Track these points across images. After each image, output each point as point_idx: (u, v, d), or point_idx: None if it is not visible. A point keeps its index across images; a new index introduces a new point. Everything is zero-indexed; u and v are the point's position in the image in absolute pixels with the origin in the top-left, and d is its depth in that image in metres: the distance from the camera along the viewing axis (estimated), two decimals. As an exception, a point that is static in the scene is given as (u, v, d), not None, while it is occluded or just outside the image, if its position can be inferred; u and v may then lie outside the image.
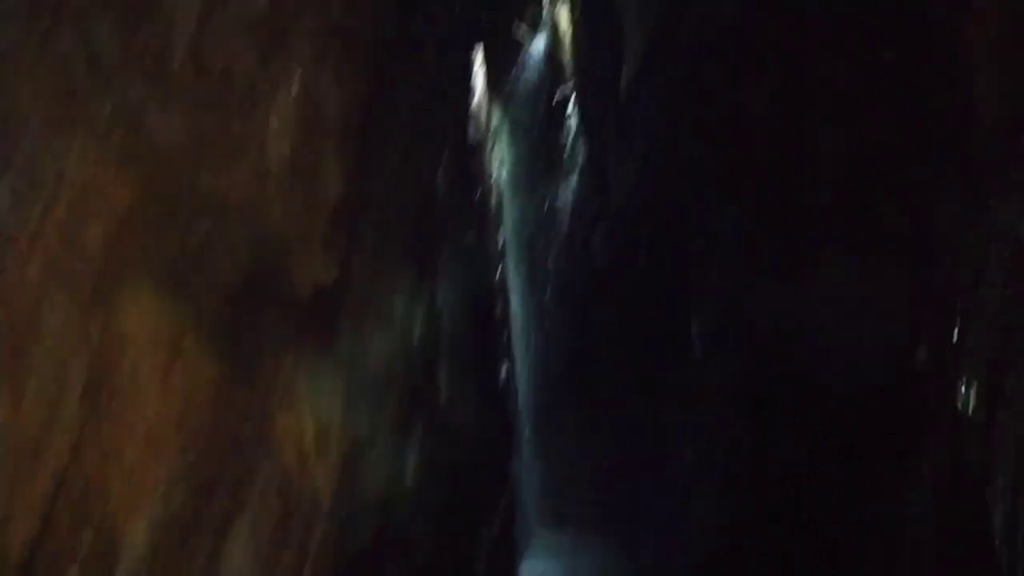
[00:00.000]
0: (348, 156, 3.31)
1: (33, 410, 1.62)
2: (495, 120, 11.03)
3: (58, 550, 1.72)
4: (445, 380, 5.57)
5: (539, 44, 10.55)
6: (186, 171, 2.14)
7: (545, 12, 9.20)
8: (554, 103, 10.44)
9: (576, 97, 9.49)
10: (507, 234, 11.12)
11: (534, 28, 10.20)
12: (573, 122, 10.11)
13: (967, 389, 1.99)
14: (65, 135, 1.82)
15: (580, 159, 10.08)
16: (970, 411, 1.95)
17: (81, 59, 1.83)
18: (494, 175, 10.40)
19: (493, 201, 10.24)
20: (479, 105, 8.81)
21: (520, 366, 11.24)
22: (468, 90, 8.22)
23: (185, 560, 1.99)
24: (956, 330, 2.02)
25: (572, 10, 8.73)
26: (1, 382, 1.55)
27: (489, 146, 10.18)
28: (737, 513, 4.62)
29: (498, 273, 10.16)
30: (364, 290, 3.74)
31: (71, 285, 1.77)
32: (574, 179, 10.32)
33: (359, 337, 3.68)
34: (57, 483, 1.69)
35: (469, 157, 8.27)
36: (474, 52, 8.21)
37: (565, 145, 10.60)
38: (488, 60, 8.95)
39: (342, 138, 3.21)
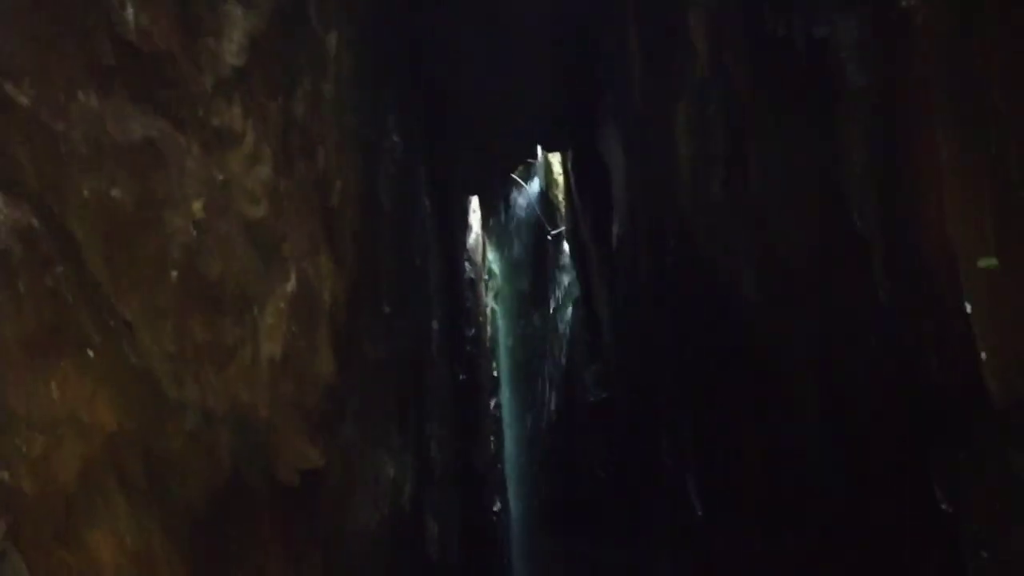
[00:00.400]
0: (341, 331, 3.34)
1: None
2: (490, 254, 11.29)
3: None
4: (436, 537, 5.40)
5: (534, 186, 10.96)
6: (172, 385, 2.14)
7: (540, 156, 9.63)
8: (549, 239, 10.72)
9: (568, 237, 9.75)
10: (501, 366, 11.15)
11: (528, 174, 10.63)
12: (566, 259, 10.36)
13: None
14: (47, 367, 1.81)
15: (574, 294, 10.24)
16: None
17: (71, 288, 1.85)
18: (488, 308, 10.54)
19: (488, 333, 10.31)
20: (475, 244, 9.05)
21: (511, 498, 10.98)
22: (464, 232, 8.47)
23: None
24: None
25: (564, 160, 9.12)
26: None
27: (485, 279, 10.38)
28: None
29: (492, 404, 10.10)
30: (352, 462, 3.68)
31: (38, 523, 1.72)
32: (568, 313, 10.43)
33: (345, 512, 3.59)
34: None
35: (464, 295, 8.39)
36: (469, 197, 8.52)
37: (559, 279, 10.80)
38: (483, 202, 9.26)
39: (335, 317, 3.25)
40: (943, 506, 2.03)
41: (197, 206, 2.21)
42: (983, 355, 1.72)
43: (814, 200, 2.97)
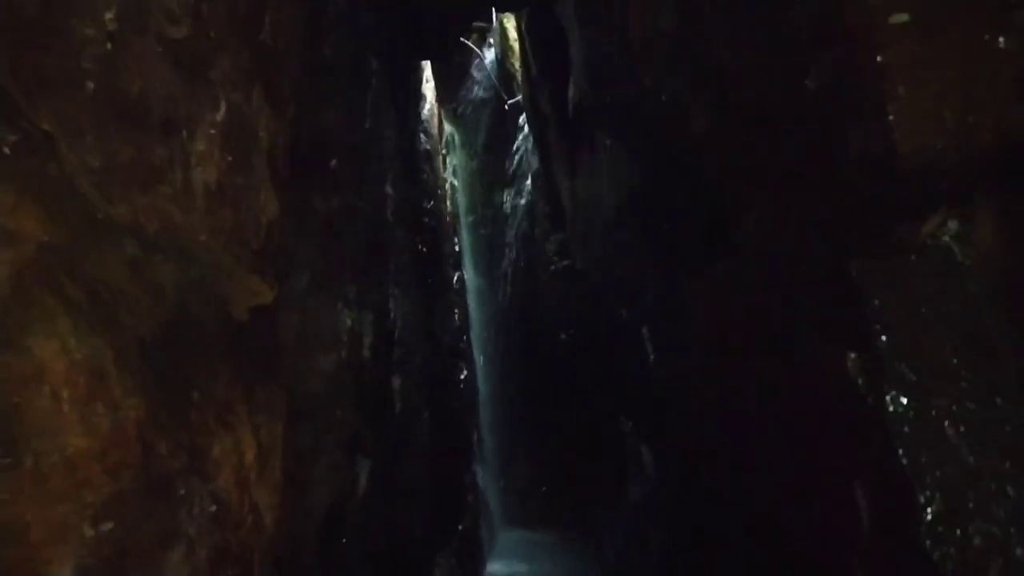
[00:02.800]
0: (283, 176, 3.30)
1: (-60, 452, 1.59)
2: (448, 127, 11.06)
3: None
4: (399, 390, 5.57)
5: (490, 54, 10.61)
6: (101, 201, 2.12)
7: (495, 23, 9.24)
8: (506, 109, 10.50)
9: (526, 107, 9.56)
10: (463, 241, 11.17)
11: (483, 40, 10.25)
12: (525, 129, 10.19)
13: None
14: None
15: (534, 165, 10.17)
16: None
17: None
18: (448, 182, 10.43)
19: (448, 207, 10.26)
20: (430, 115, 8.84)
21: (479, 371, 11.30)
22: (418, 101, 8.24)
23: (110, 594, 1.96)
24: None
25: (519, 23, 8.80)
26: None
27: (442, 153, 10.21)
28: (693, 516, 4.69)
29: (455, 280, 10.19)
30: (306, 306, 3.73)
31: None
32: (528, 185, 10.38)
33: (302, 353, 3.67)
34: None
35: (421, 166, 8.28)
36: (422, 65, 8.23)
37: (519, 151, 10.67)
38: (437, 72, 8.97)
39: (275, 159, 3.20)
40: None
41: (109, 16, 2.11)
42: (891, 117, 1.77)
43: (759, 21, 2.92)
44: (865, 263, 1.97)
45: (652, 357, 5.56)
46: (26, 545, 1.82)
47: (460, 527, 7.98)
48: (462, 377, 9.53)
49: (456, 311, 9.74)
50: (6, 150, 1.81)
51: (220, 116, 2.63)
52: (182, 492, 2.32)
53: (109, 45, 2.15)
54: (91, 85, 2.08)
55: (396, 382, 5.39)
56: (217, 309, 2.81)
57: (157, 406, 2.29)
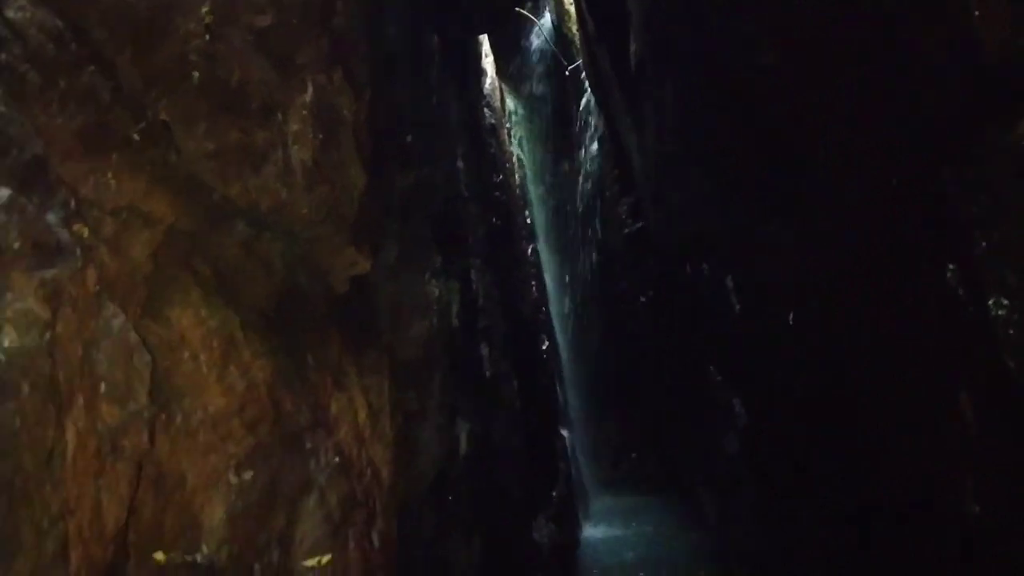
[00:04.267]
0: (367, 152, 3.46)
1: (107, 408, 1.80)
2: (510, 101, 11.13)
3: (145, 532, 1.90)
4: (488, 357, 5.73)
5: (545, 21, 10.58)
6: (216, 181, 2.31)
7: (547, -11, 9.22)
8: (567, 75, 10.47)
9: (586, 70, 9.51)
10: (534, 212, 11.26)
11: (537, 8, 10.24)
12: (587, 95, 10.14)
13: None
14: (101, 160, 1.99)
15: (599, 130, 10.12)
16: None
17: (106, 88, 2.00)
18: (514, 155, 10.53)
19: (516, 180, 10.37)
20: (491, 89, 8.93)
21: (559, 339, 11.41)
22: (479, 77, 8.34)
23: (262, 533, 2.17)
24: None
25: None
26: (74, 386, 1.72)
27: (506, 127, 10.31)
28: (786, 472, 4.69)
29: (529, 251, 10.31)
30: (398, 277, 3.90)
31: (126, 295, 1.95)
32: (595, 150, 10.35)
33: (398, 321, 3.85)
34: (136, 471, 1.87)
35: (487, 140, 8.39)
36: (480, 40, 8.32)
37: (582, 117, 10.63)
38: (495, 45, 9.04)
39: (359, 136, 3.36)
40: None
41: (205, 10, 2.29)
42: (976, 12, 1.73)
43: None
44: (957, 171, 1.95)
45: (738, 307, 5.53)
46: (185, 491, 2.04)
47: (554, 493, 8.16)
48: (544, 346, 9.66)
49: (533, 282, 9.85)
50: (135, 136, 2.00)
51: (309, 98, 2.79)
52: (309, 445, 2.52)
53: (207, 37, 2.33)
54: (197, 75, 2.26)
55: (484, 349, 5.56)
56: (322, 281, 3.00)
57: (281, 368, 2.49)
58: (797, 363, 4.19)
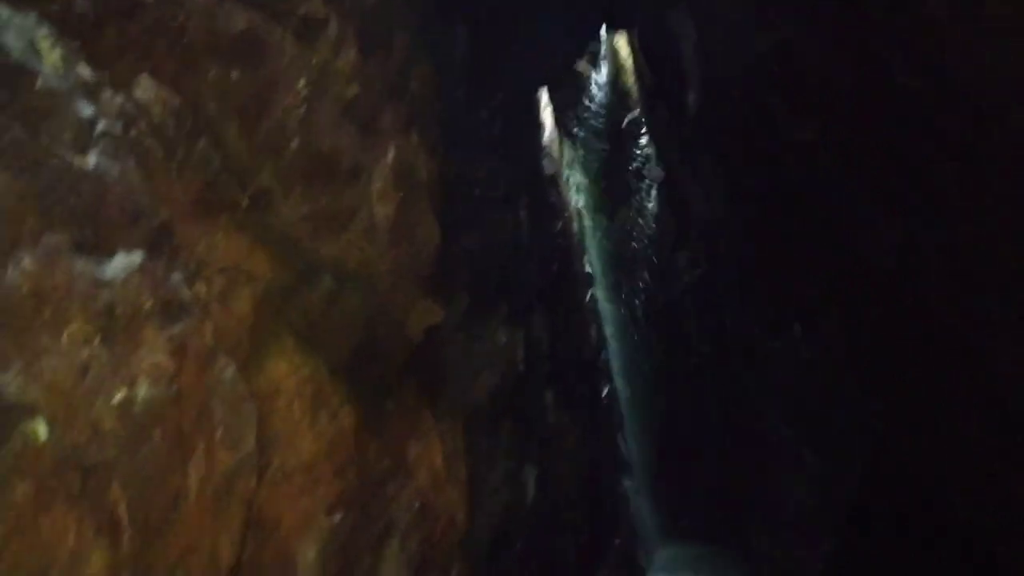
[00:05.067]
0: (440, 208, 3.64)
1: (223, 454, 1.94)
2: (567, 152, 11.38)
3: (247, 571, 2.03)
4: (551, 403, 5.79)
5: (602, 75, 10.85)
6: (309, 240, 2.48)
7: (604, 45, 9.45)
8: (624, 126, 10.65)
9: (644, 120, 9.66)
10: (592, 259, 11.36)
11: (595, 62, 10.52)
12: (644, 145, 10.28)
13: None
14: (212, 222, 2.18)
15: (657, 179, 10.21)
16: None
17: (217, 157, 2.20)
18: (572, 204, 10.69)
19: (575, 228, 10.50)
20: (551, 140, 9.16)
21: (619, 385, 11.34)
22: (539, 128, 8.58)
23: (351, 572, 2.27)
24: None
25: (630, 40, 8.95)
26: (196, 434, 1.88)
27: (565, 177, 10.50)
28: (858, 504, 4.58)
29: (587, 298, 10.37)
30: (467, 326, 4.04)
31: (234, 347, 2.11)
32: (652, 201, 10.43)
33: (468, 369, 3.97)
34: (247, 513, 2.01)
35: (547, 190, 8.58)
36: (540, 93, 8.58)
37: (639, 168, 10.76)
38: (554, 97, 9.31)
39: (433, 193, 3.54)
40: None
41: (302, 83, 2.50)
42: None
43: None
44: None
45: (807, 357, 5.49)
46: (281, 532, 2.16)
47: (616, 541, 8.04)
48: (604, 392, 9.63)
49: (592, 329, 9.88)
50: (244, 203, 2.19)
51: (390, 159, 2.98)
52: (391, 490, 2.63)
53: (303, 108, 2.54)
54: (295, 144, 2.46)
55: (548, 396, 5.62)
56: (398, 331, 3.14)
57: (364, 415, 2.62)
58: (873, 423, 4.14)
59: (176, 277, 1.80)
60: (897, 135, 2.99)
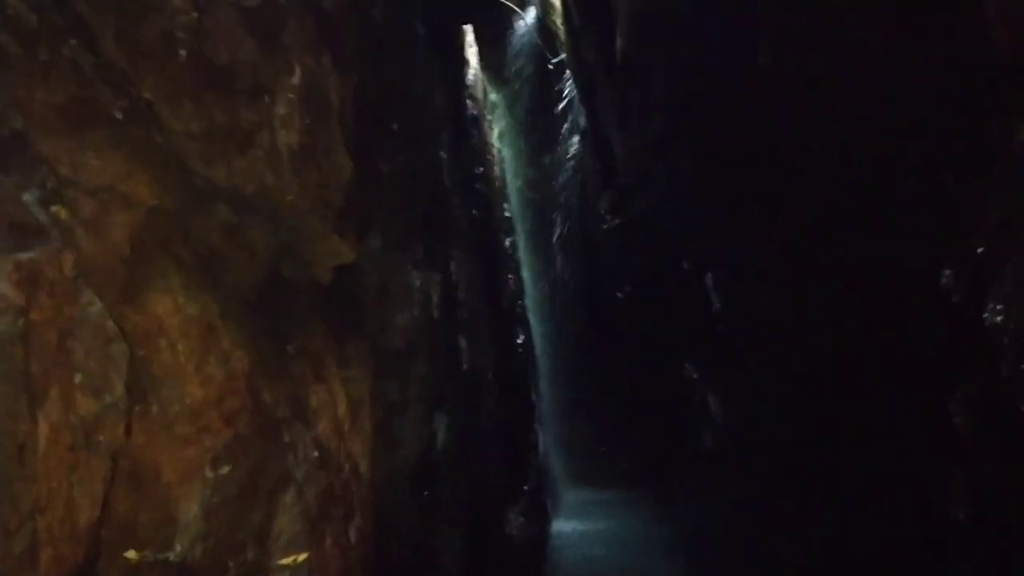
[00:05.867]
0: (353, 138, 3.38)
1: (82, 400, 1.72)
2: (492, 93, 11.07)
3: (118, 529, 1.83)
4: (466, 350, 5.68)
5: (530, 15, 10.52)
6: (200, 163, 2.22)
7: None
8: (550, 68, 10.41)
9: (570, 63, 9.45)
10: (513, 204, 11.20)
11: (523, 1, 10.18)
12: (569, 88, 10.09)
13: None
14: (84, 137, 1.90)
15: (581, 124, 10.07)
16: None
17: (88, 63, 1.90)
18: (495, 147, 10.45)
19: (497, 172, 10.30)
20: (474, 80, 8.84)
21: (535, 334, 11.39)
22: (462, 67, 8.25)
23: (238, 530, 2.10)
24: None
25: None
26: (49, 377, 1.64)
27: (488, 119, 10.22)
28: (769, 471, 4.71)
29: (508, 242, 10.26)
30: (381, 266, 3.83)
31: (103, 279, 1.86)
32: (576, 144, 10.31)
33: (382, 313, 3.78)
34: (111, 467, 1.79)
35: (469, 131, 8.31)
36: (464, 29, 8.23)
37: (564, 112, 10.58)
38: (479, 35, 8.97)
39: (345, 121, 3.27)
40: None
41: (193, -16, 2.19)
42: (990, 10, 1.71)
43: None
44: (959, 172, 1.93)
45: (717, 305, 5.53)
46: (160, 485, 1.96)
47: (526, 487, 8.14)
48: (520, 340, 9.62)
49: (510, 276, 9.80)
50: (118, 115, 1.91)
51: (296, 80, 2.71)
52: (288, 438, 2.44)
53: (195, 14, 2.23)
54: (184, 54, 2.17)
55: (463, 342, 5.51)
56: (305, 269, 2.92)
57: (261, 359, 2.41)
58: (778, 363, 4.20)
59: (29, 196, 1.54)
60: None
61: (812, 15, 2.80)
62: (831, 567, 3.35)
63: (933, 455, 2.26)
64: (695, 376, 6.44)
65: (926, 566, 2.37)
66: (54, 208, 1.63)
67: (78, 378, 1.60)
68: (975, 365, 1.93)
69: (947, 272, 1.95)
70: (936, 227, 2.06)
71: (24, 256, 1.47)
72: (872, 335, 2.67)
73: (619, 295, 9.05)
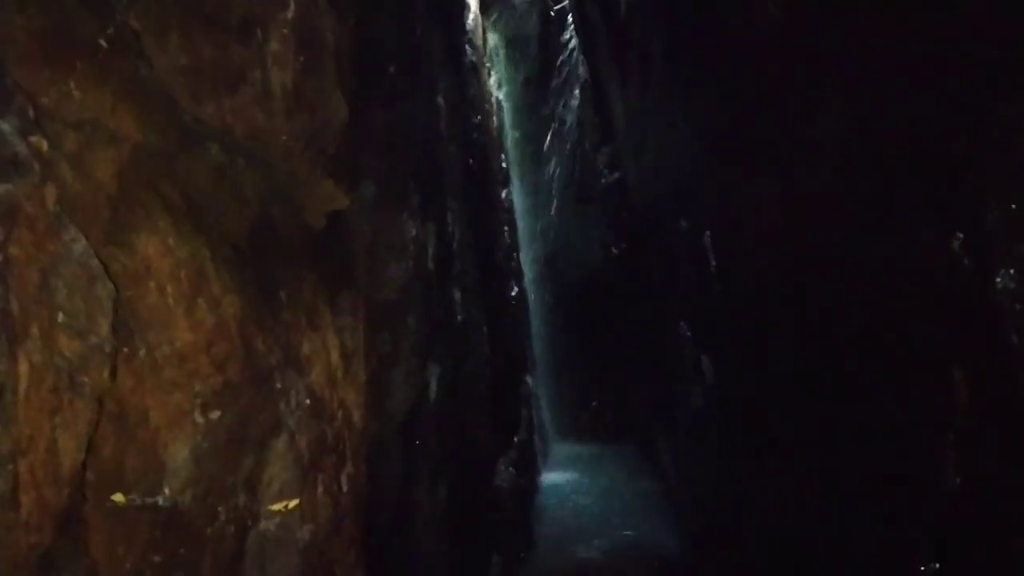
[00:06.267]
0: (348, 82, 3.27)
1: (66, 340, 1.66)
2: (492, 40, 10.78)
3: (104, 473, 1.79)
4: (460, 302, 5.64)
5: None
6: (188, 101, 2.13)
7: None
8: (552, 15, 10.16)
9: (573, 12, 9.22)
10: (510, 156, 11.04)
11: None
12: (572, 38, 9.87)
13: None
14: (67, 67, 1.81)
15: (582, 76, 9.89)
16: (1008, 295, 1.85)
17: (72, -12, 1.80)
18: (493, 96, 10.25)
19: (494, 123, 10.12)
20: (474, 26, 8.62)
21: (529, 287, 11.38)
22: (462, 11, 8.03)
23: (228, 476, 2.07)
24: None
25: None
26: (30, 316, 1.58)
27: (487, 67, 10.00)
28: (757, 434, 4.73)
29: (503, 196, 10.16)
30: (375, 215, 3.76)
31: (88, 217, 1.79)
32: (576, 97, 10.13)
33: (375, 263, 3.73)
34: (96, 409, 1.75)
35: (468, 79, 8.13)
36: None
37: (566, 63, 10.37)
38: (481, -24, 8.70)
39: (341, 63, 3.16)
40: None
41: (182, -92, 2.07)
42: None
43: None
44: (972, 135, 1.88)
45: (714, 264, 5.49)
46: (148, 429, 1.92)
47: (516, 439, 8.21)
48: (513, 292, 9.60)
49: (505, 228, 9.73)
50: (103, 44, 1.81)
51: (291, 15, 2.60)
52: (280, 386, 2.41)
53: (185, -60, 2.12)
54: (172, -18, 2.06)
55: (457, 294, 5.46)
56: (297, 215, 2.85)
57: (252, 305, 2.36)
58: (773, 324, 4.18)
59: (6, 126, 1.46)
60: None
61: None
62: (815, 530, 3.38)
63: (927, 426, 2.25)
64: (689, 335, 6.43)
65: (912, 534, 2.38)
66: (34, 138, 1.55)
67: (61, 318, 1.55)
68: (981, 333, 1.90)
69: (959, 235, 1.90)
70: (947, 191, 2.01)
71: (1, 189, 1.40)
72: (873, 301, 2.63)
73: (614, 251, 9.00)
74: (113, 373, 1.73)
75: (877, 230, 2.49)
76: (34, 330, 1.44)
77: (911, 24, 2.26)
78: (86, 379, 1.60)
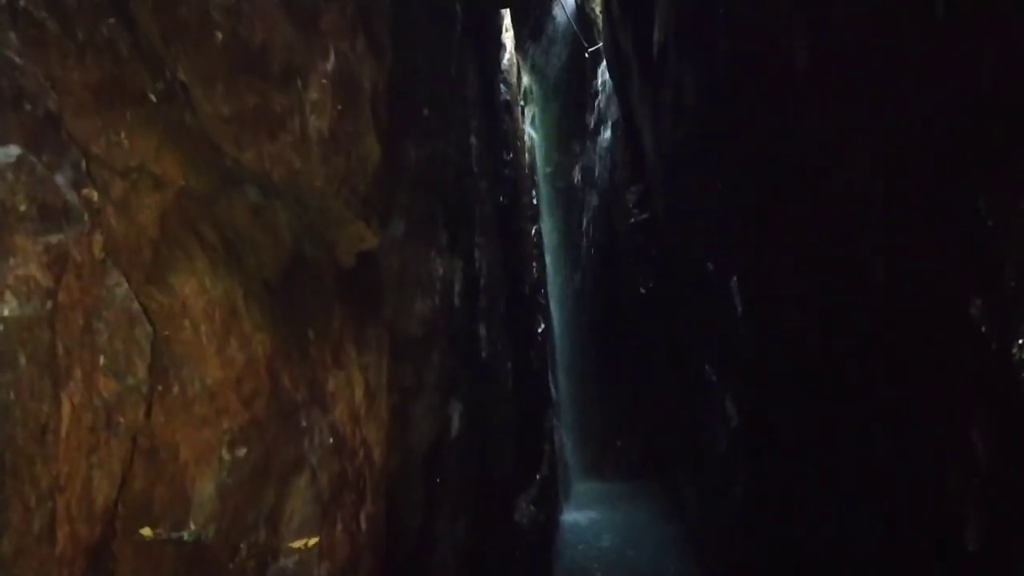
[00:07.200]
0: (383, 124, 3.37)
1: (105, 381, 1.74)
2: (526, 78, 10.96)
3: (134, 507, 1.86)
4: (485, 337, 5.69)
5: (570, 1, 10.41)
6: (230, 146, 2.23)
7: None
8: (586, 56, 10.31)
9: (607, 52, 9.36)
10: (541, 192, 11.15)
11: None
12: (605, 78, 9.99)
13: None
14: (115, 117, 1.91)
15: (614, 115, 9.99)
16: None
17: (125, 43, 1.91)
18: (526, 134, 10.39)
19: (526, 159, 10.25)
20: (509, 64, 8.78)
21: (555, 323, 11.39)
22: (498, 50, 8.20)
23: (251, 511, 2.12)
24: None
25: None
26: (73, 356, 1.66)
27: (520, 104, 10.16)
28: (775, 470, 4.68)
29: (533, 232, 10.24)
30: (404, 252, 3.84)
31: (131, 260, 1.88)
32: (607, 135, 10.22)
33: (401, 299, 3.80)
34: (130, 448, 1.82)
35: (501, 116, 8.27)
36: (501, 13, 8.16)
37: (598, 102, 10.49)
38: (516, 19, 8.88)
39: (377, 106, 3.27)
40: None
41: (233, -32, 2.19)
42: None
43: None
44: (994, 201, 1.89)
45: (740, 310, 5.48)
46: (177, 464, 1.99)
47: (538, 475, 8.17)
48: (540, 329, 9.62)
49: (534, 263, 9.79)
50: (152, 97, 1.92)
51: (330, 65, 2.71)
52: (304, 423, 2.47)
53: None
54: (220, 36, 2.17)
55: (482, 329, 5.51)
56: (328, 253, 2.93)
57: (281, 341, 2.43)
58: (798, 374, 4.16)
59: (61, 178, 1.56)
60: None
61: (849, 18, 2.74)
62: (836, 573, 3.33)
63: (948, 475, 2.23)
64: (714, 379, 6.40)
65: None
66: (85, 191, 1.64)
67: (102, 360, 1.62)
68: (999, 394, 1.90)
69: (977, 302, 1.91)
70: (967, 253, 2.02)
71: (54, 238, 1.49)
72: (896, 353, 2.62)
73: (641, 290, 9.00)
74: (148, 412, 1.80)
75: (900, 287, 2.49)
76: (77, 372, 1.52)
77: (936, 77, 2.29)
78: (122, 419, 1.67)
